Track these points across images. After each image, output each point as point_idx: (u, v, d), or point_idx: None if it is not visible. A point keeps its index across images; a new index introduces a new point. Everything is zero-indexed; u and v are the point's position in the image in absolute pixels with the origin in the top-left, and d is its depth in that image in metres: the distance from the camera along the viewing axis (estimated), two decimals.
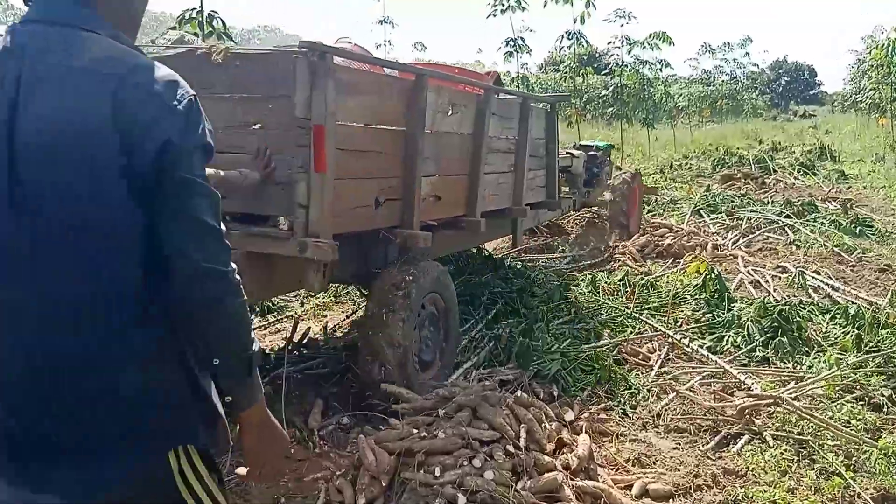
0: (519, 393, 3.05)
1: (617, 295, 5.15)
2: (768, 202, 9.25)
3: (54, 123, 1.06)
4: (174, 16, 4.77)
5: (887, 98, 17.89)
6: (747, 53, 37.40)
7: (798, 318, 4.36)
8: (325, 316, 4.94)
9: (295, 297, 5.15)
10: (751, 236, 7.52)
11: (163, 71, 1.14)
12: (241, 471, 1.47)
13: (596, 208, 7.48)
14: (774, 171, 12.49)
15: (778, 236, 7.48)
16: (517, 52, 9.99)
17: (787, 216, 8.19)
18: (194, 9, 4.61)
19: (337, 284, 4.81)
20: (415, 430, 2.66)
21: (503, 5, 9.65)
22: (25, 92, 1.08)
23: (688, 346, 4.14)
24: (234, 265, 1.21)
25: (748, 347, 4.13)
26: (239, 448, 1.36)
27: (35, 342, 1.12)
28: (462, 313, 4.64)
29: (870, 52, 21.19)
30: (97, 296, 1.12)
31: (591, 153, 7.04)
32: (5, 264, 1.11)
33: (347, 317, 4.86)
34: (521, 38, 10.13)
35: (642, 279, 5.43)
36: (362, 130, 2.93)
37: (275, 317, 4.92)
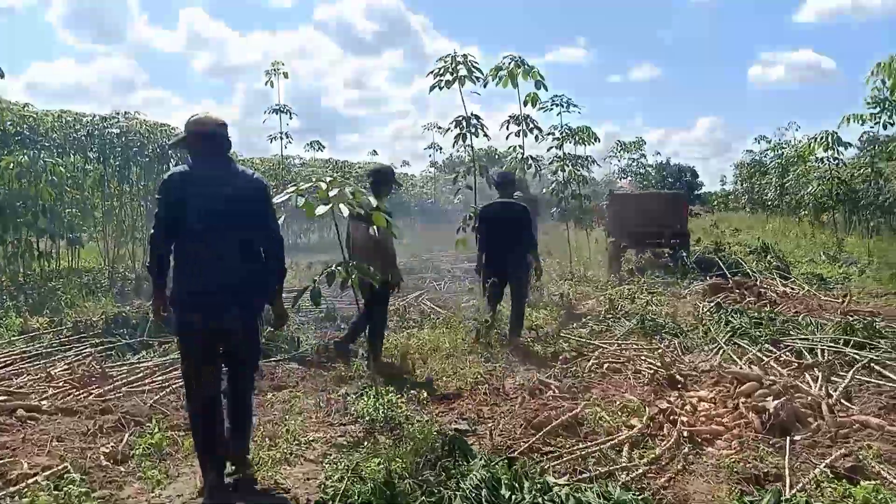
0: None
1: None
2: (809, 323, 7.11)
3: (240, 188, 3.67)
4: None
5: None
6: (643, 154, 38.23)
7: None
8: None
9: None
10: (841, 383, 5.22)
11: (258, 174, 3.84)
12: (271, 329, 5.79)
13: None
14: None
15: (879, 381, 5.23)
16: (470, 133, 7.66)
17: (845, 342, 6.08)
18: None
19: None
20: None
21: (451, 75, 7.38)
22: (218, 183, 3.64)
23: None
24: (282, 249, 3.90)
25: None
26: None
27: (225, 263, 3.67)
28: None
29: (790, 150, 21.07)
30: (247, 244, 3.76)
31: None
32: (218, 234, 3.63)
33: None
34: (476, 116, 7.78)
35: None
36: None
37: None
